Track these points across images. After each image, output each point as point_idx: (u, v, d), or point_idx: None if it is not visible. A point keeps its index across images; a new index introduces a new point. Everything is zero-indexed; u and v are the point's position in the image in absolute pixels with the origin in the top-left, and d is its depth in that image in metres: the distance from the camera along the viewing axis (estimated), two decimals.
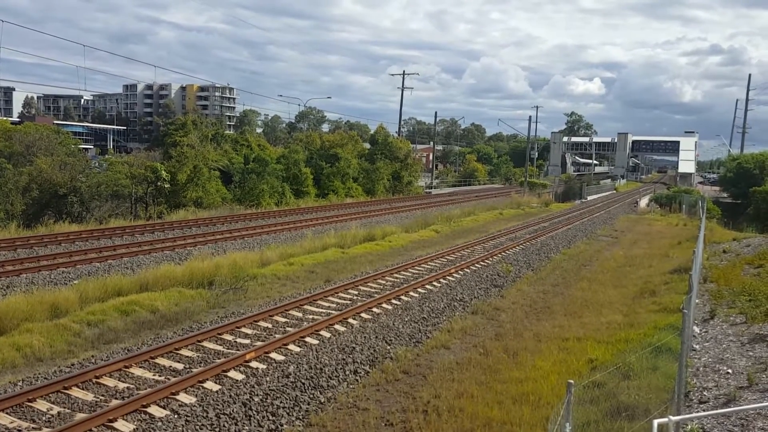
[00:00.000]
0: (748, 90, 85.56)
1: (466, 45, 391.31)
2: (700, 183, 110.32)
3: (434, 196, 60.18)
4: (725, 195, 73.70)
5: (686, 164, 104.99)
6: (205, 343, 11.96)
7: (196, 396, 9.57)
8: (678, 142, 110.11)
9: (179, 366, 10.80)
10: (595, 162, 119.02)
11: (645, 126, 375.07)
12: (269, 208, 38.54)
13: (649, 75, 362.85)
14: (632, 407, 9.31)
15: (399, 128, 75.90)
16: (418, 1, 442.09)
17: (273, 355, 11.47)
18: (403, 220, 36.54)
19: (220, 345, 12.01)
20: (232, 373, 10.49)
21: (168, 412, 8.99)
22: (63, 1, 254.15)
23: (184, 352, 11.47)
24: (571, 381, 5.40)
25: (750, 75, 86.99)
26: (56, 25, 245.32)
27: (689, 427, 8.31)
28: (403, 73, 70.73)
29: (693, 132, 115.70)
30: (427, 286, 18.41)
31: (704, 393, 9.86)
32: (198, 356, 11.34)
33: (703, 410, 9.25)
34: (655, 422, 5.27)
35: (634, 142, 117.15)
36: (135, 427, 8.52)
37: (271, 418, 9.35)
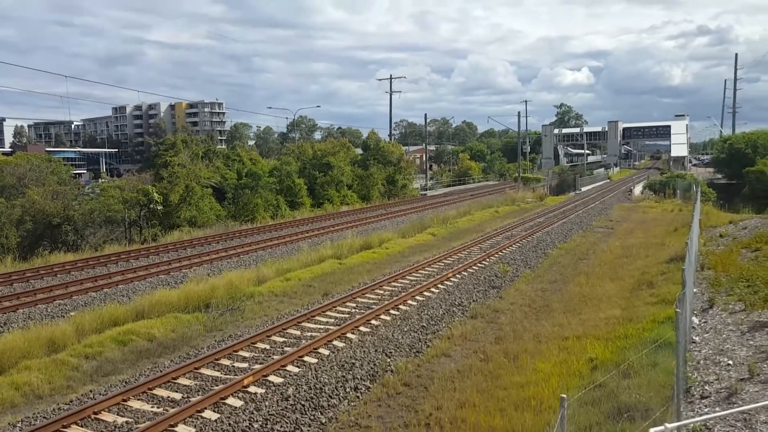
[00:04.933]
0: (735, 70, 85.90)
1: (451, 44, 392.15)
2: (694, 165, 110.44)
3: (429, 198, 60.17)
4: (719, 176, 73.78)
5: (678, 148, 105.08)
6: (203, 370, 11.89)
7: (195, 426, 9.51)
8: (669, 127, 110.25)
9: (177, 396, 10.73)
10: (587, 152, 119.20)
11: (635, 112, 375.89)
12: (264, 222, 38.46)
13: (636, 61, 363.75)
14: (633, 407, 9.27)
15: (390, 132, 76.07)
16: (400, 4, 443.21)
17: (272, 378, 11.40)
18: (399, 224, 36.48)
19: (218, 371, 11.94)
20: (230, 400, 10.42)
21: None
22: (48, 28, 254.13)
23: (182, 381, 11.39)
24: (564, 395, 5.36)
25: (736, 54, 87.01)
26: (43, 53, 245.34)
27: (692, 426, 8.26)
28: (390, 78, 70.98)
29: (683, 115, 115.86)
30: (425, 293, 18.35)
31: (706, 387, 9.81)
32: (196, 384, 11.26)
33: (705, 405, 9.22)
34: (651, 431, 5.22)
35: (624, 129, 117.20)
36: None
37: None
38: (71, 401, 10.97)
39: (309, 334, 14.26)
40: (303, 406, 10.46)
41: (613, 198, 55.43)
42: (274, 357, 12.53)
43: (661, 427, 5.39)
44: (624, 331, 13.69)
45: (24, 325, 15.58)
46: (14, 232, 29.06)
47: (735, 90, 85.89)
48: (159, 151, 41.71)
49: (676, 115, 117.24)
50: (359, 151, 64.23)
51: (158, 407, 10.31)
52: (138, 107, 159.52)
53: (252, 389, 10.88)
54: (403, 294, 17.80)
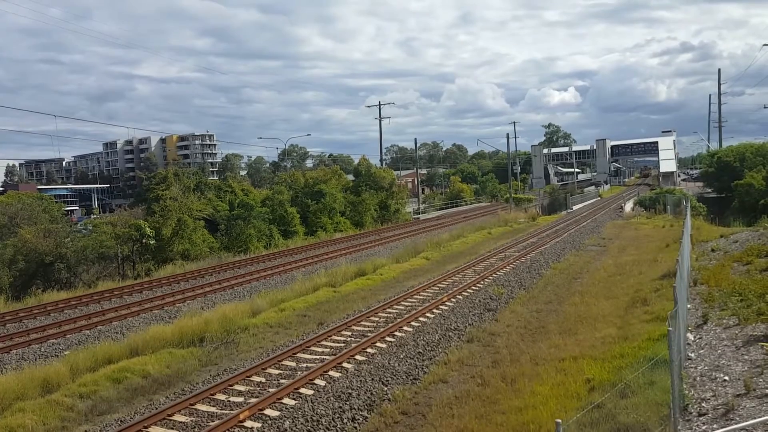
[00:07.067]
0: (719, 85, 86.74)
1: (438, 69, 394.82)
2: (684, 180, 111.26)
3: (422, 222, 60.29)
4: (709, 190, 74.33)
5: (667, 163, 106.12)
6: (199, 406, 11.79)
7: None
8: (656, 143, 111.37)
9: None
10: (577, 170, 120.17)
11: (623, 129, 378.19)
12: (258, 252, 38.35)
13: (621, 79, 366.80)
14: (631, 427, 9.25)
15: (381, 158, 76.48)
16: (385, 32, 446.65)
17: (267, 411, 11.32)
18: (393, 250, 36.47)
19: (214, 406, 11.84)
20: None
21: None
22: (35, 67, 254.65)
23: (178, 417, 11.29)
24: (559, 420, 5.37)
25: (719, 70, 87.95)
26: (32, 91, 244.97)
27: None
28: (379, 104, 71.82)
29: (670, 131, 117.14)
30: (421, 319, 18.32)
31: (702, 405, 9.81)
32: (191, 421, 11.16)
33: (703, 423, 9.20)
34: None
35: (613, 146, 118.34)
36: None
37: None
38: None
39: (305, 365, 14.19)
40: None
41: (604, 215, 55.67)
42: (270, 390, 12.44)
43: None
44: (620, 350, 13.69)
45: (17, 366, 15.45)
46: (7, 272, 28.90)
47: (720, 104, 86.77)
48: (150, 185, 41.71)
49: (663, 131, 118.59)
50: (351, 177, 64.50)
51: None
52: (129, 142, 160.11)
53: (248, 424, 10.79)
54: (399, 320, 17.76)
